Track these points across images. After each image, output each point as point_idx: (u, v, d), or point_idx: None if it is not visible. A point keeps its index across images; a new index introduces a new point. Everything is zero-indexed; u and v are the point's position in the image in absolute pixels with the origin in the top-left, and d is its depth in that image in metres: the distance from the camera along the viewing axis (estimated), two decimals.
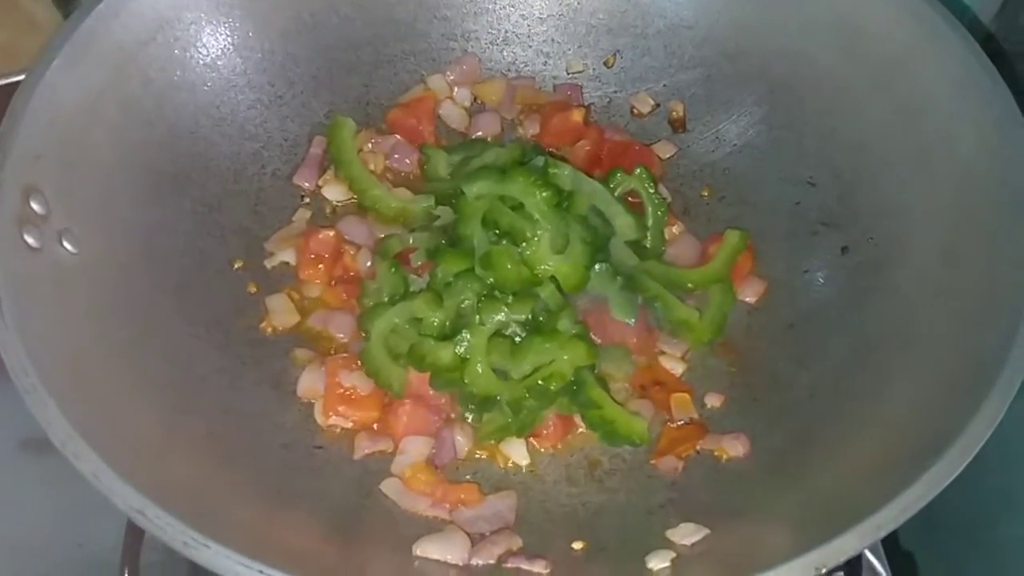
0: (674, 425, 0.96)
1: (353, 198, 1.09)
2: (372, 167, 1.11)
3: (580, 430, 0.96)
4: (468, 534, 0.86)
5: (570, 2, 1.18)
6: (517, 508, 0.90)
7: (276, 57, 1.10)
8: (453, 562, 0.84)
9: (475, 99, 1.18)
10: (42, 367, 0.76)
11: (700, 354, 1.01)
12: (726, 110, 1.13)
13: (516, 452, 0.94)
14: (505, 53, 1.19)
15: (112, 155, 0.95)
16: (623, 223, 1.03)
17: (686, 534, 0.84)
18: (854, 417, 0.89)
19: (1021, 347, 0.79)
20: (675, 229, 1.08)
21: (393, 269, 0.99)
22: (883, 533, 0.72)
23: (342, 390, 0.94)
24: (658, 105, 1.16)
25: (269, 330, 1.00)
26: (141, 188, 0.97)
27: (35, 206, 0.85)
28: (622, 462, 0.94)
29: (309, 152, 1.11)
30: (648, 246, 1.05)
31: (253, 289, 1.02)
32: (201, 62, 1.05)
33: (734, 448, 0.93)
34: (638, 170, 1.06)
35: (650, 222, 1.06)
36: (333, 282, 1.03)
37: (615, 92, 1.18)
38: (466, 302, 0.96)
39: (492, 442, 0.94)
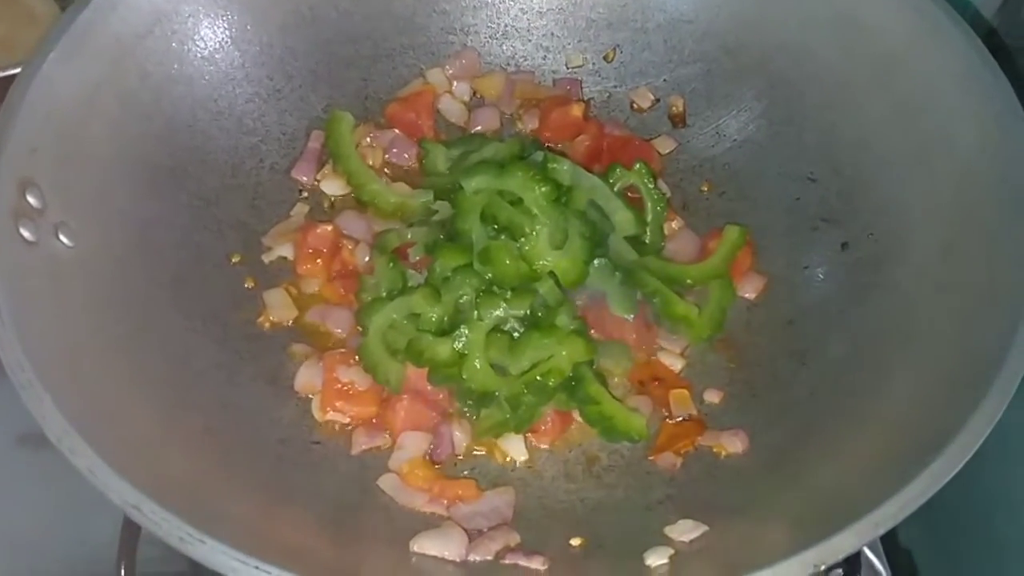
0: (673, 421, 0.96)
1: (351, 193, 1.09)
2: (371, 161, 1.10)
3: (578, 426, 0.95)
4: (466, 530, 0.86)
5: None
6: (515, 504, 0.89)
7: (274, 51, 1.09)
8: (451, 558, 0.83)
9: (474, 93, 1.17)
10: (38, 362, 0.75)
11: (699, 350, 1.01)
12: (726, 105, 1.13)
13: (514, 448, 0.94)
14: (504, 47, 1.18)
15: (109, 148, 0.94)
16: (622, 218, 1.03)
17: (684, 531, 0.83)
18: (853, 414, 0.88)
19: (1021, 344, 0.79)
20: (674, 224, 1.08)
21: (391, 264, 0.99)
22: (882, 531, 0.72)
23: (340, 385, 0.94)
24: (658, 100, 1.16)
25: (267, 325, 1.00)
26: (138, 182, 0.97)
27: (31, 199, 0.84)
28: (620, 458, 0.94)
29: (307, 146, 1.10)
30: (647, 241, 1.05)
31: (251, 284, 1.02)
32: (199, 55, 1.04)
33: (733, 445, 0.93)
34: (637, 165, 1.06)
35: (649, 217, 1.05)
36: (331, 277, 1.03)
37: (615, 87, 1.17)
38: (464, 297, 0.95)
39: (490, 438, 0.94)
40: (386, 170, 1.11)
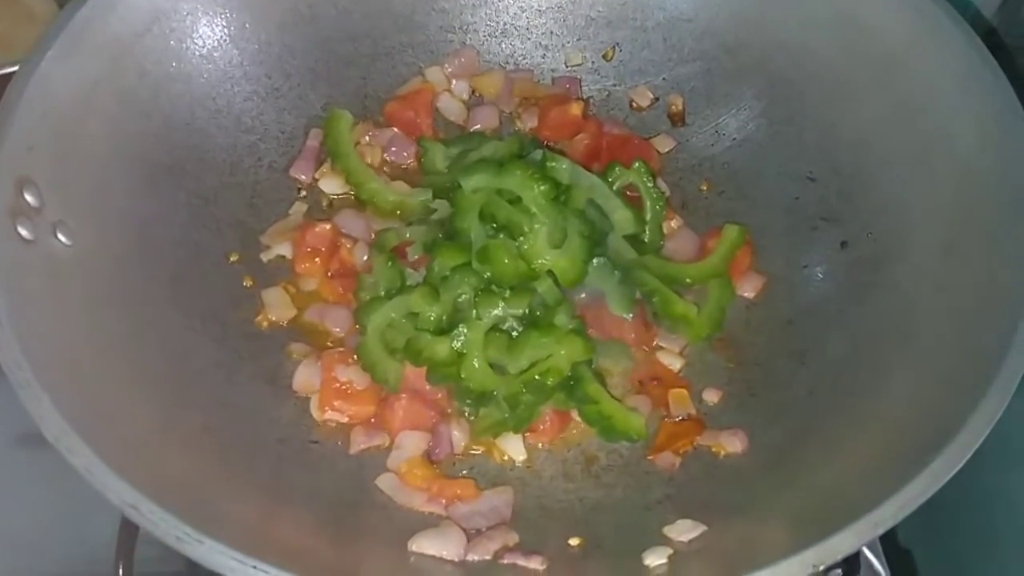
0: (671, 421, 0.96)
1: (350, 191, 1.08)
2: (369, 160, 1.10)
3: (577, 425, 0.95)
4: (464, 530, 0.86)
5: None
6: (514, 504, 0.89)
7: (273, 49, 1.09)
8: (449, 558, 0.83)
9: (473, 92, 1.17)
10: (36, 361, 0.75)
11: (698, 349, 1.01)
12: (726, 104, 1.13)
13: (512, 447, 0.94)
14: (503, 45, 1.18)
15: (107, 147, 0.94)
16: (621, 217, 1.03)
17: (683, 531, 0.83)
18: (853, 413, 0.88)
19: (1021, 344, 0.79)
20: (673, 223, 1.07)
21: (390, 263, 0.99)
22: (881, 530, 0.72)
23: (338, 384, 0.94)
24: (657, 99, 1.16)
25: (265, 324, 1.00)
26: (136, 180, 0.96)
27: (29, 198, 0.84)
28: (619, 458, 0.94)
29: (306, 145, 1.10)
30: (646, 240, 1.05)
31: (249, 283, 1.01)
32: (197, 53, 1.04)
33: (732, 444, 0.93)
34: (637, 164, 1.05)
35: (648, 216, 1.05)
36: (329, 276, 1.02)
37: (614, 85, 1.17)
38: (463, 296, 0.95)
39: (489, 437, 0.93)
40: (385, 169, 1.11)
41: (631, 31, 1.16)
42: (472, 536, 0.85)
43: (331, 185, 1.09)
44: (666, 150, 1.13)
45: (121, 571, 0.87)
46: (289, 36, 1.10)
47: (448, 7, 1.16)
